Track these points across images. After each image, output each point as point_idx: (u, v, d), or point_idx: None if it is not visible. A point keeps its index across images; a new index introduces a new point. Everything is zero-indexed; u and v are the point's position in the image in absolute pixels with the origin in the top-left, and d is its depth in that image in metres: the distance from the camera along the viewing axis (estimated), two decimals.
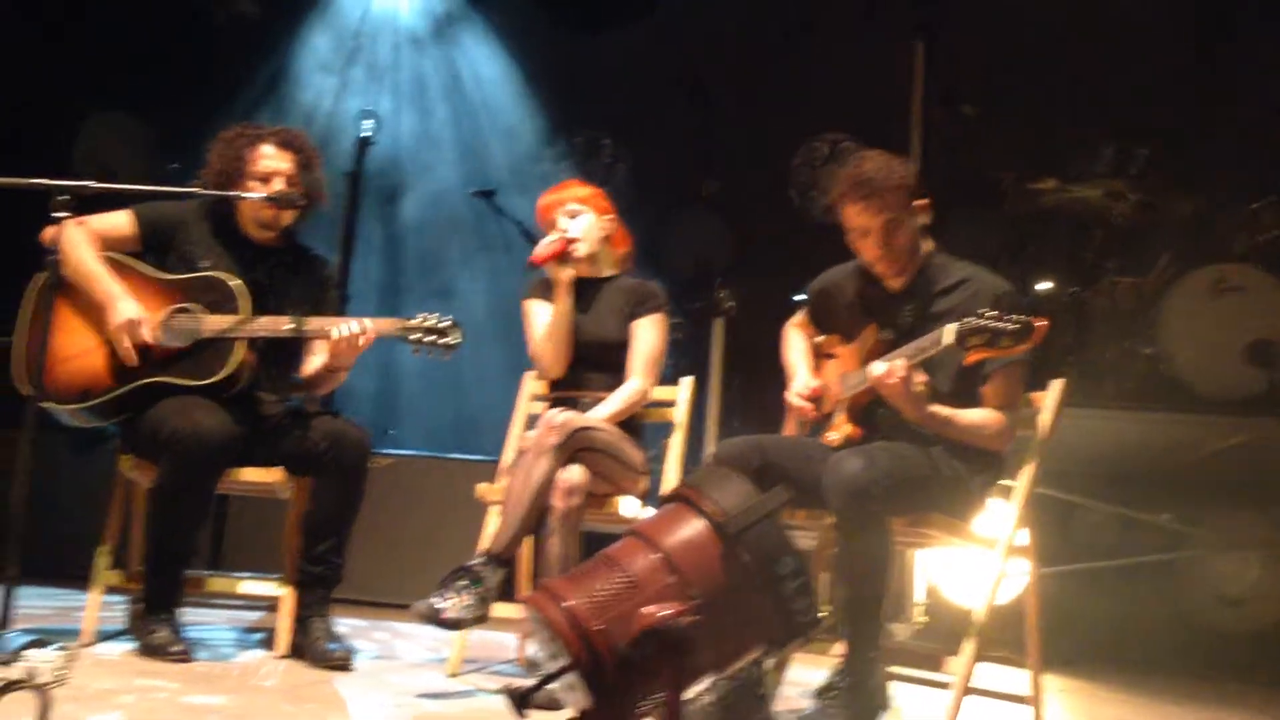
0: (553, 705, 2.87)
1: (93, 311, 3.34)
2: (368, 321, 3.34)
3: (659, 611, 1.56)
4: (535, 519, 3.15)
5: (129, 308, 3.29)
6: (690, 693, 2.92)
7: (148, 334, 3.29)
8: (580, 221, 3.59)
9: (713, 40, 6.87)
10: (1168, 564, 4.94)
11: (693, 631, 1.54)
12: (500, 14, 7.22)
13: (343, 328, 3.32)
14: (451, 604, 3.01)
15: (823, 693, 2.89)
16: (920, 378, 2.89)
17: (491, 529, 3.31)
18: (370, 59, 7.17)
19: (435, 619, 2.99)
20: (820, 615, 1.63)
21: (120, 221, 3.45)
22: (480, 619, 3.06)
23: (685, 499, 1.66)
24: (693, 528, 1.64)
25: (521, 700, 1.60)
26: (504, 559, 3.12)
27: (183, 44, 6.50)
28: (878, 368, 2.89)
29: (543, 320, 3.56)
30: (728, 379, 5.69)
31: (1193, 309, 4.96)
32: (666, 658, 1.54)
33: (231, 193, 3.41)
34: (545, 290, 3.60)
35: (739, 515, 1.61)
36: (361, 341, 3.32)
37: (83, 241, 3.33)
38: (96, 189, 3.07)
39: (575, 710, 1.61)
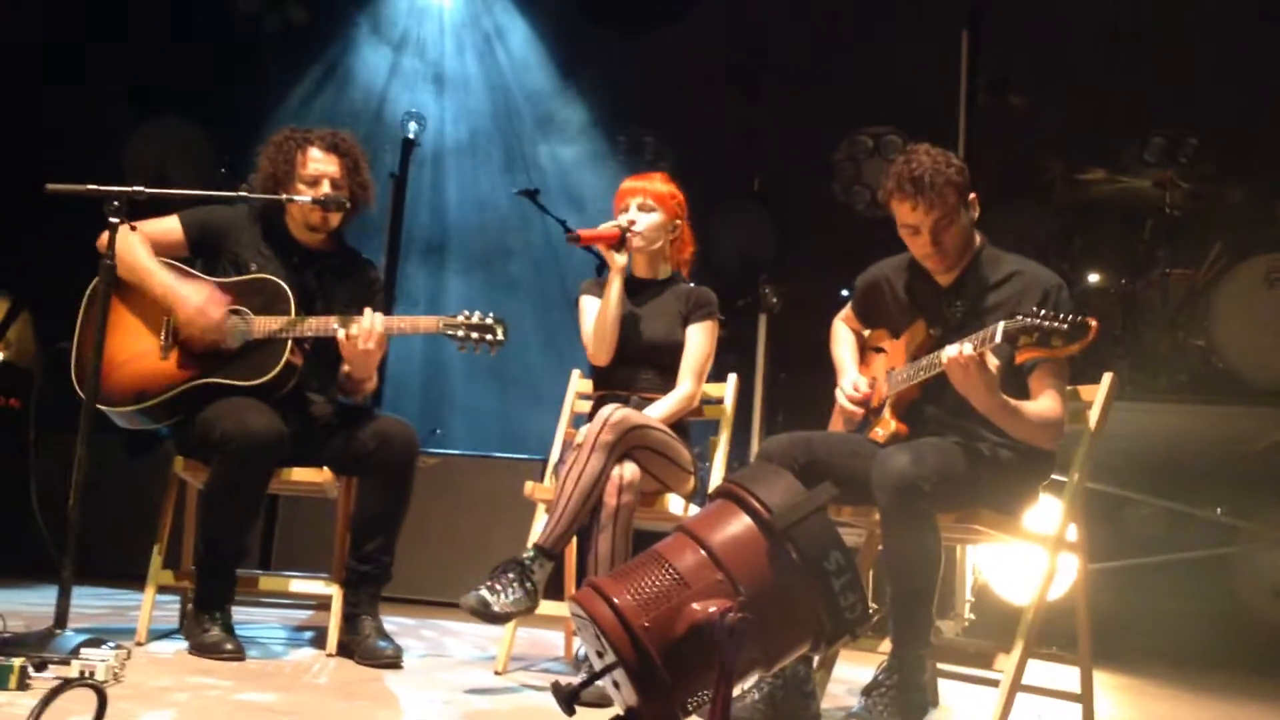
0: (601, 702, 2.89)
1: (149, 316, 3.40)
2: (378, 322, 3.34)
3: (706, 608, 1.56)
4: (586, 515, 3.16)
5: (192, 294, 3.34)
6: (738, 690, 2.93)
7: (219, 313, 3.33)
8: (649, 218, 3.59)
9: (757, 34, 6.85)
10: (1221, 558, 4.88)
11: (740, 628, 1.53)
12: (544, 14, 7.25)
13: (353, 328, 3.33)
14: (500, 597, 3.02)
15: (870, 690, 2.87)
16: (994, 362, 2.83)
17: (540, 526, 3.33)
18: (414, 63, 7.21)
19: (484, 611, 3.01)
20: (870, 611, 1.62)
21: (169, 226, 3.50)
22: (528, 612, 3.08)
23: (732, 495, 1.66)
24: (740, 524, 1.63)
25: (570, 697, 1.60)
26: (553, 553, 3.13)
27: (234, 49, 6.58)
28: (952, 350, 2.83)
29: (593, 314, 3.58)
30: (773, 374, 5.68)
31: (1246, 299, 4.89)
32: (714, 655, 1.54)
33: (278, 196, 3.44)
34: (599, 288, 3.61)
35: (786, 512, 1.60)
36: (363, 345, 3.32)
37: (137, 244, 3.38)
38: (148, 194, 3.13)
39: (623, 707, 1.61)
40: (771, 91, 6.93)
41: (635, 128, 7.08)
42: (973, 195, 3.08)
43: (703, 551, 1.60)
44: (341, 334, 3.34)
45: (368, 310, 3.38)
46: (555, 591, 3.51)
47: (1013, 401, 2.88)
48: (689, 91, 6.85)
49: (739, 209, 6.76)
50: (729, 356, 5.51)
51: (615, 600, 1.57)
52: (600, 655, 1.63)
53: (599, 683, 1.62)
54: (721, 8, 6.82)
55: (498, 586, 3.03)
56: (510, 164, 7.09)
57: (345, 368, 3.52)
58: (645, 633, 1.54)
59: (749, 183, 6.93)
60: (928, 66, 5.99)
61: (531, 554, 3.10)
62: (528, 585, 3.04)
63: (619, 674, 1.56)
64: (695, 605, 1.55)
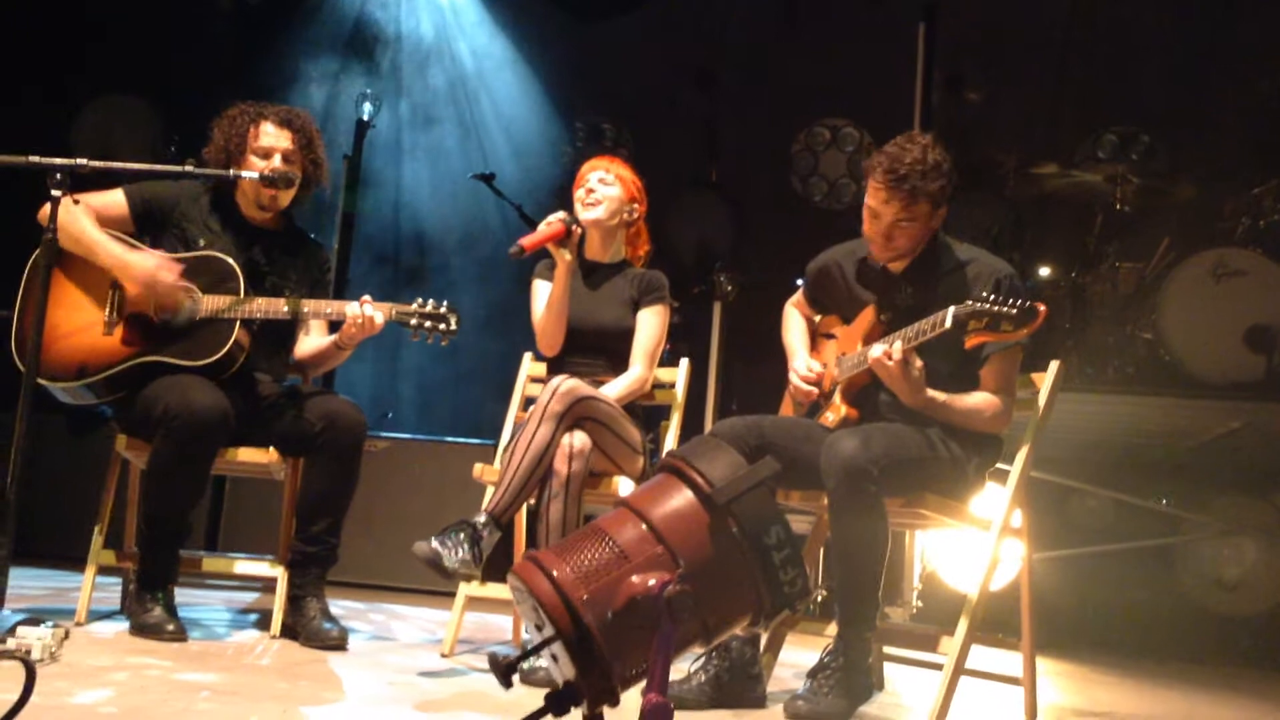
0: (539, 675, 2.88)
1: (93, 290, 3.34)
2: (379, 314, 3.34)
3: (645, 581, 1.55)
4: (535, 484, 3.14)
5: (144, 260, 3.28)
6: (682, 668, 2.93)
7: (172, 278, 3.28)
8: (608, 190, 3.59)
9: (717, 25, 6.86)
10: (1165, 548, 4.95)
11: (678, 601, 1.53)
12: (503, 1, 7.21)
13: (353, 307, 3.33)
14: (450, 553, 3.01)
15: (815, 673, 2.89)
16: (918, 362, 2.87)
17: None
18: (371, 44, 7.14)
19: (435, 561, 2.99)
20: (809, 586, 1.62)
21: (114, 200, 3.44)
22: (470, 577, 3.07)
23: (674, 469, 1.65)
24: (681, 498, 1.63)
25: (507, 670, 1.59)
26: (502, 522, 3.11)
27: (189, 26, 6.49)
28: (876, 350, 2.88)
29: (545, 298, 3.56)
30: (727, 362, 5.69)
31: (1193, 293, 4.95)
32: (652, 628, 1.53)
33: (225, 171, 3.39)
34: (553, 272, 3.59)
35: (727, 486, 1.60)
36: (380, 320, 3.35)
37: (81, 214, 3.32)
38: (91, 167, 3.06)
39: (561, 680, 1.61)
40: (730, 82, 6.94)
41: (594, 115, 7.06)
42: (943, 209, 3.06)
43: (644, 525, 1.60)
44: (354, 310, 3.32)
45: (367, 299, 3.36)
46: (506, 567, 3.50)
47: (941, 396, 2.92)
48: (648, 81, 6.84)
49: (696, 198, 6.76)
50: (683, 344, 5.52)
51: (554, 573, 1.56)
52: (539, 628, 1.62)
53: (538, 656, 1.61)
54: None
55: (449, 543, 3.01)
56: (467, 149, 7.04)
57: (314, 342, 3.53)
58: (583, 605, 1.54)
59: (706, 173, 6.93)
60: (885, 60, 6.02)
61: (483, 519, 3.08)
62: (475, 551, 3.03)
63: (557, 647, 1.55)
64: (634, 578, 1.54)
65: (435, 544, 3.00)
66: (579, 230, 3.49)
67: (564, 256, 3.46)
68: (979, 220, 5.44)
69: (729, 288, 5.61)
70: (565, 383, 3.20)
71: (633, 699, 1.64)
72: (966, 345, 2.80)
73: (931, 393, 2.91)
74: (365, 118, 5.84)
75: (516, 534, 3.63)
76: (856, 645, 2.91)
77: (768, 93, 6.86)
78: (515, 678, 2.79)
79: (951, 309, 2.76)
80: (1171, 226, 5.43)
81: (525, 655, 1.64)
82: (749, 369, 5.89)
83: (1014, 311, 2.68)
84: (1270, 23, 5.85)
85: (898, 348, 2.83)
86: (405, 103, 7.11)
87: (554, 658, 1.59)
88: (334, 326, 3.55)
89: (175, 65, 6.29)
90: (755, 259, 6.33)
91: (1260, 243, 5.08)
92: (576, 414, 3.19)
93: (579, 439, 3.16)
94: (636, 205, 3.66)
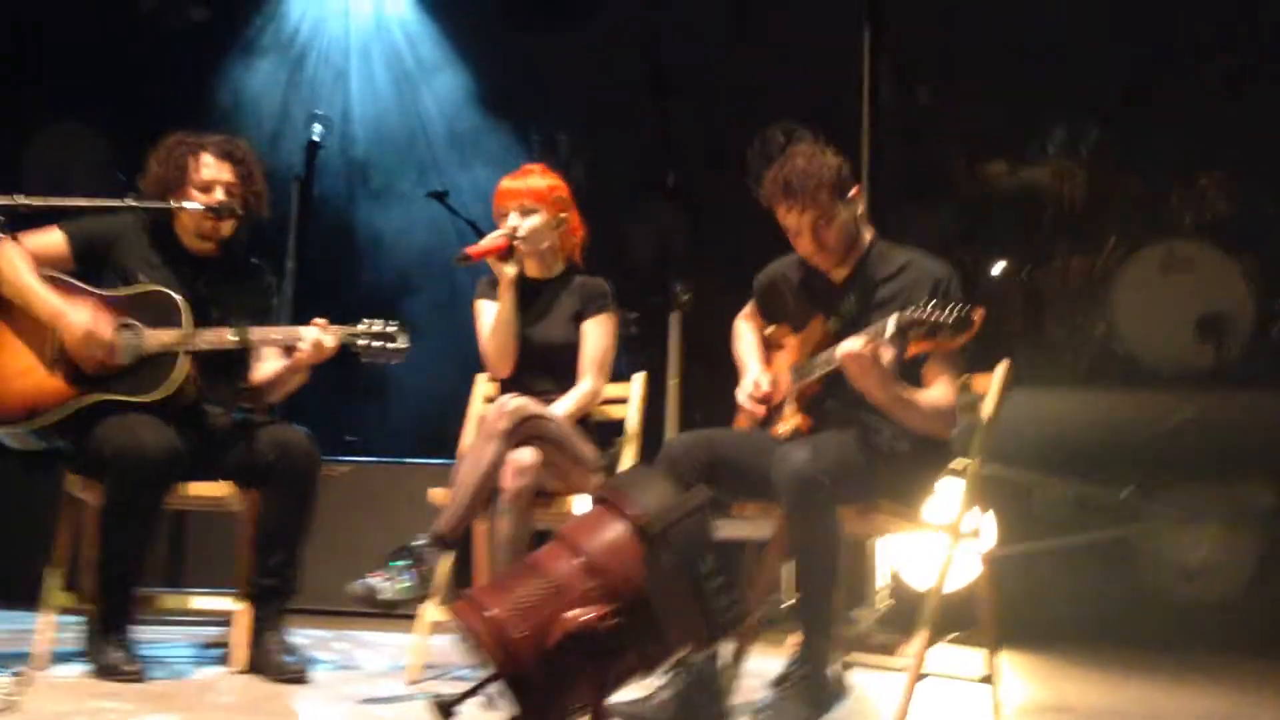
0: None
1: (35, 330, 3.31)
2: (329, 338, 3.31)
3: (578, 617, 1.56)
4: (483, 502, 3.14)
5: (80, 317, 3.25)
6: (647, 687, 2.93)
7: (108, 333, 3.25)
8: (531, 221, 3.54)
9: (668, 31, 6.86)
10: (1125, 539, 4.99)
11: (613, 635, 1.54)
12: (451, 12, 7.17)
13: (306, 335, 3.30)
14: (389, 584, 3.00)
15: (780, 682, 2.90)
16: (888, 354, 2.86)
17: None
18: (318, 61, 7.10)
19: (369, 598, 2.99)
20: (743, 612, 1.62)
21: (52, 240, 3.40)
22: (418, 600, 3.08)
23: (607, 501, 1.66)
24: (614, 530, 1.64)
25: (447, 709, 1.59)
26: (449, 541, 3.11)
27: (134, 53, 6.43)
28: (847, 344, 2.87)
29: (490, 319, 3.55)
30: (687, 373, 5.68)
31: (1143, 285, 5.00)
32: (588, 662, 1.54)
33: (167, 203, 3.37)
34: (495, 290, 3.57)
35: (659, 516, 1.61)
36: (330, 344, 3.31)
37: (18, 259, 3.29)
38: (27, 205, 3.04)
39: (505, 717, 1.61)
40: (684, 89, 6.94)
41: (548, 126, 7.04)
42: (855, 189, 3.11)
43: (578, 558, 1.61)
44: (308, 340, 3.29)
45: (317, 325, 3.33)
46: (464, 583, 3.49)
47: (906, 393, 2.93)
48: (603, 89, 6.83)
49: (652, 206, 6.77)
50: (642, 355, 5.51)
51: (490, 612, 1.56)
52: (479, 667, 1.63)
53: (479, 695, 1.61)
54: (635, 6, 6.81)
55: (390, 572, 3.01)
56: (419, 166, 7.01)
57: (271, 366, 3.49)
58: (520, 643, 1.54)
59: (663, 180, 6.93)
60: (838, 63, 6.04)
61: (426, 541, 3.07)
62: (420, 573, 3.03)
63: (498, 685, 1.56)
64: (569, 614, 1.55)
65: (372, 580, 3.01)
66: (522, 245, 3.48)
67: (506, 272, 3.45)
68: (929, 220, 5.48)
69: (684, 296, 5.60)
70: (512, 401, 3.20)
71: None
72: (908, 354, 2.81)
73: (898, 388, 2.91)
74: (316, 138, 5.80)
75: (478, 553, 3.61)
76: (818, 653, 2.92)
77: (722, 98, 6.86)
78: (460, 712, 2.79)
79: (893, 318, 2.77)
80: (1119, 220, 5.48)
81: (466, 695, 1.64)
82: (710, 379, 5.89)
83: (950, 320, 2.70)
84: (1213, 10, 5.90)
85: (864, 341, 2.83)
86: (356, 122, 7.07)
87: (498, 695, 1.59)
88: (289, 349, 3.52)
89: (123, 92, 6.23)
90: (713, 267, 6.32)
91: (1207, 233, 5.14)
92: (524, 433, 3.19)
93: (526, 454, 3.15)
94: (563, 215, 3.62)
